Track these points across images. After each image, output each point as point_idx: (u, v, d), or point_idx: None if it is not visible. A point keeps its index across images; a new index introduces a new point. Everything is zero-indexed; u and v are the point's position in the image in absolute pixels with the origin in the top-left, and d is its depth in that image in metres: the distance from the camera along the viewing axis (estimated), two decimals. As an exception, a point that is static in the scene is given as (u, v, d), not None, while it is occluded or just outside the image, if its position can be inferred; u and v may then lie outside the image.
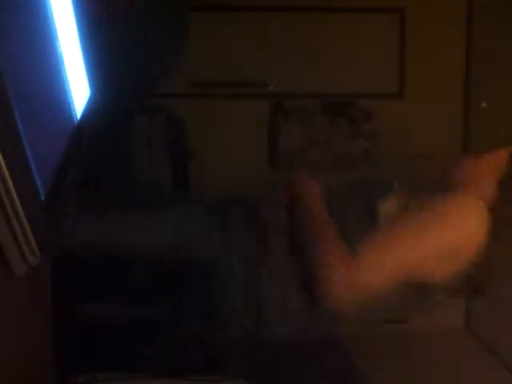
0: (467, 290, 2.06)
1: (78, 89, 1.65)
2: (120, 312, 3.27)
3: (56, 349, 1.75)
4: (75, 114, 1.59)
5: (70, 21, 1.58)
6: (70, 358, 2.06)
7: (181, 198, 3.79)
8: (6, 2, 1.00)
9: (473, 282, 1.99)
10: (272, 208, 2.06)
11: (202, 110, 3.95)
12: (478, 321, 3.99)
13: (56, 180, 1.24)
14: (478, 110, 3.87)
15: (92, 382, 2.04)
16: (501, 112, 3.68)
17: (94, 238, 2.05)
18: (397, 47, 4.01)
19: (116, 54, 2.50)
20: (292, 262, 1.88)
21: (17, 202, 0.96)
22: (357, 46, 3.98)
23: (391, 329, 4.16)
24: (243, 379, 2.19)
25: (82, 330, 2.57)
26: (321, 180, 2.06)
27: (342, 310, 1.64)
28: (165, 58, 3.16)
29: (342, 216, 1.75)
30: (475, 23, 3.96)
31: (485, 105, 3.75)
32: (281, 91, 4.03)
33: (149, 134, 3.72)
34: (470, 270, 1.84)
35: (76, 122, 1.59)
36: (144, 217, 2.06)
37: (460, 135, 4.10)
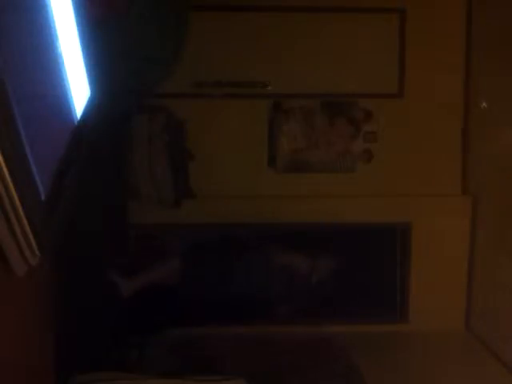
0: None
1: (78, 89, 1.65)
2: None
3: (56, 348, 1.75)
4: (75, 114, 1.59)
5: (70, 21, 1.58)
6: (70, 358, 2.06)
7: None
8: (7, 3, 1.00)
9: None
10: None
11: (202, 110, 3.95)
12: (478, 321, 4.00)
13: (56, 180, 1.24)
14: (478, 110, 3.86)
15: (92, 382, 2.04)
16: (501, 112, 3.68)
17: None
18: (397, 47, 4.01)
19: (116, 54, 2.50)
20: None
21: (17, 202, 0.97)
22: (357, 46, 3.98)
23: (391, 329, 4.17)
24: (243, 379, 2.19)
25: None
26: None
27: None
28: (164, 58, 3.16)
29: None
30: (475, 23, 3.96)
31: (485, 105, 3.75)
32: (281, 91, 4.03)
33: (149, 134, 3.71)
34: None
35: (76, 122, 1.59)
36: None
37: (460, 135, 4.10)
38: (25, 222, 1.00)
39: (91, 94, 1.83)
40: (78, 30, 1.64)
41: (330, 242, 4.00)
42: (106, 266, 3.31)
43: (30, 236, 1.04)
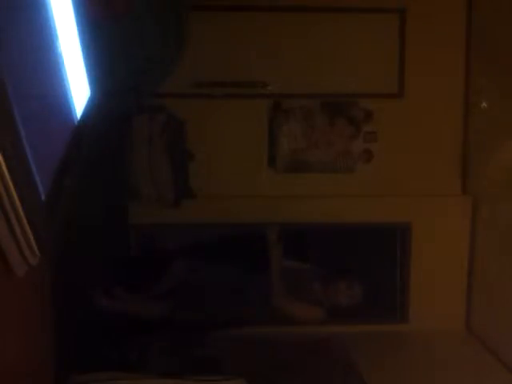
0: None
1: (78, 89, 1.65)
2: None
3: (56, 348, 1.75)
4: (75, 114, 1.59)
5: (70, 21, 1.58)
6: (69, 358, 2.06)
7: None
8: (7, 4, 1.00)
9: None
10: None
11: (202, 109, 3.95)
12: (478, 321, 4.00)
13: (56, 180, 1.24)
14: (478, 110, 3.86)
15: (92, 382, 2.04)
16: (501, 112, 3.68)
17: None
18: (397, 47, 4.01)
19: (116, 54, 2.50)
20: None
21: (17, 202, 0.97)
22: (357, 46, 3.98)
23: (391, 329, 4.17)
24: (243, 379, 2.19)
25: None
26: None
27: None
28: (165, 59, 3.16)
29: None
30: (475, 23, 3.96)
31: (485, 105, 3.75)
32: (281, 91, 4.03)
33: (149, 134, 3.71)
34: None
35: (76, 122, 1.59)
36: None
37: (460, 135, 4.10)
38: (25, 221, 1.00)
39: (91, 94, 1.83)
40: (78, 30, 1.64)
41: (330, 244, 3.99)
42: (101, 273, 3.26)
43: (30, 236, 1.04)
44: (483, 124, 3.91)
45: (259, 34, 3.95)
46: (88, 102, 1.77)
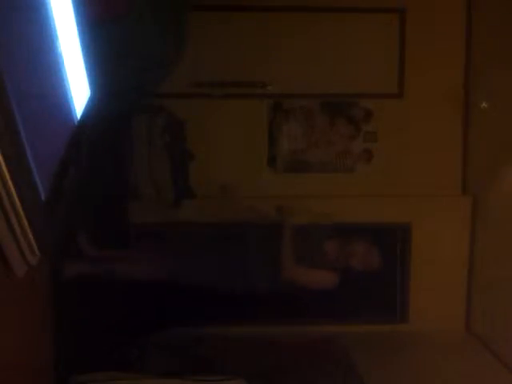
0: None
1: (78, 89, 1.65)
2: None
3: (56, 348, 1.75)
4: (75, 114, 1.59)
5: (70, 21, 1.58)
6: (70, 358, 2.06)
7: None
8: (7, 4, 1.00)
9: None
10: None
11: (202, 109, 3.95)
12: (477, 321, 4.00)
13: (56, 180, 1.24)
14: (478, 110, 3.86)
15: (92, 382, 2.04)
16: (501, 112, 3.68)
17: None
18: (397, 47, 4.01)
19: (116, 54, 2.50)
20: None
21: (17, 202, 0.97)
22: (357, 46, 3.98)
23: (391, 329, 4.17)
24: (243, 379, 2.19)
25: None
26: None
27: None
28: (165, 58, 3.16)
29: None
30: (475, 23, 3.96)
31: (485, 105, 3.75)
32: (281, 91, 4.03)
33: (149, 134, 3.71)
34: None
35: (76, 122, 1.59)
36: None
37: (460, 135, 4.10)
38: (25, 221, 1.00)
39: (91, 94, 1.83)
40: (78, 30, 1.64)
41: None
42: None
43: (30, 236, 1.04)
44: (483, 123, 3.91)
45: (259, 33, 3.95)
46: (88, 101, 1.77)
